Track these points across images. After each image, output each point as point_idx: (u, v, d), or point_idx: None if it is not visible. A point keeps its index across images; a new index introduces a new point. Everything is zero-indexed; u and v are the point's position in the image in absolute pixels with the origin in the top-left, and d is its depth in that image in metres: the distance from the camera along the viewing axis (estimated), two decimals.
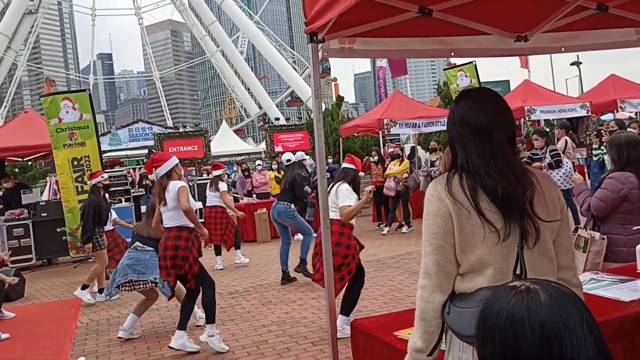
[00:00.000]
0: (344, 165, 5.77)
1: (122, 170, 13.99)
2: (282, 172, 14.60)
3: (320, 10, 2.78)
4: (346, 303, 5.26)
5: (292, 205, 7.97)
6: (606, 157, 9.38)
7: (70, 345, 5.73)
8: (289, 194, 8.05)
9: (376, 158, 11.95)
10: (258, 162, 17.38)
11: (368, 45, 3.30)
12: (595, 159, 10.74)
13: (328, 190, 5.36)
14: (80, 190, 8.74)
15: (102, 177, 7.88)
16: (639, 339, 2.57)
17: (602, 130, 10.40)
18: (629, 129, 8.38)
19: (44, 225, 11.03)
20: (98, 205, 7.61)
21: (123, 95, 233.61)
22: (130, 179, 13.25)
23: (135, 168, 21.23)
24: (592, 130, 13.38)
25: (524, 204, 1.77)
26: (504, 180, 1.77)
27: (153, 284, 5.90)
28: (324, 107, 24.56)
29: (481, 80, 13.67)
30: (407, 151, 16.33)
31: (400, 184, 11.13)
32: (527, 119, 14.16)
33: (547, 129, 15.27)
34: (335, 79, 53.26)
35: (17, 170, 22.29)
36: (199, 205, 10.92)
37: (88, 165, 9.03)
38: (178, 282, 5.29)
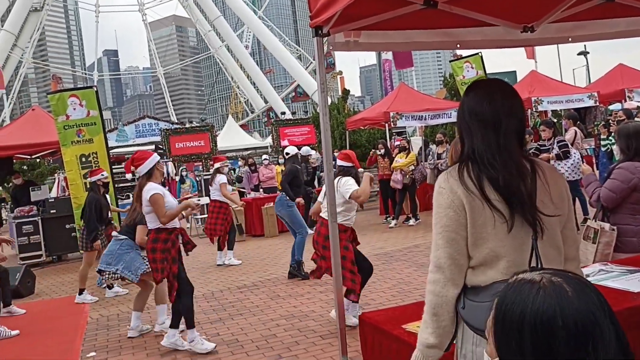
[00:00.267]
0: (340, 163, 5.54)
1: None
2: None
3: (325, 4, 2.77)
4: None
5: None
6: (615, 147, 9.32)
7: (80, 340, 5.78)
8: (285, 187, 8.04)
9: (383, 151, 11.93)
10: (264, 156, 17.37)
11: (373, 38, 3.28)
12: (603, 149, 10.69)
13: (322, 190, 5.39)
14: (88, 186, 8.76)
15: (102, 175, 7.89)
16: None
17: (610, 120, 10.34)
18: (637, 119, 8.32)
19: (53, 222, 11.09)
20: (98, 203, 7.64)
21: (129, 92, 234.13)
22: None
23: None
24: (600, 121, 13.30)
25: (525, 196, 1.76)
26: (506, 171, 1.77)
27: (119, 276, 5.79)
28: (329, 101, 24.49)
29: (488, 71, 13.59)
30: (419, 144, 16.28)
31: (407, 176, 11.11)
32: (534, 110, 14.08)
33: (555, 120, 15.19)
34: (340, 72, 53.18)
35: (25, 167, 22.40)
36: (206, 200, 10.94)
37: (96, 162, 9.07)
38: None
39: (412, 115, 13.55)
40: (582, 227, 3.92)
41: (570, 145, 8.65)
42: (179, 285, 4.98)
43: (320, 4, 2.81)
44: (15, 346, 5.87)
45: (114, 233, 6.03)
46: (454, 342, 1.89)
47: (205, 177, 14.44)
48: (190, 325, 5.03)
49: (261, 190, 14.53)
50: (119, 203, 9.93)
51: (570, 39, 3.56)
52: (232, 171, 22.18)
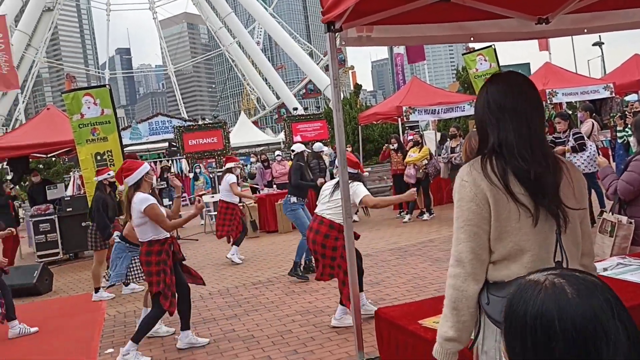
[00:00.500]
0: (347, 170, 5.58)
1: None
2: None
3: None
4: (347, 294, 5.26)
5: (293, 198, 7.76)
6: (631, 139, 9.22)
7: (98, 337, 5.84)
8: (290, 186, 7.93)
9: (396, 145, 11.88)
10: (277, 152, 17.40)
11: (386, 33, 3.27)
12: (619, 141, 10.57)
13: (331, 191, 5.36)
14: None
15: (109, 174, 7.92)
16: None
17: (627, 112, 10.22)
18: None
19: (69, 220, 11.20)
20: (105, 202, 7.70)
21: (142, 89, 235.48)
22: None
23: (156, 162, 21.42)
24: (616, 112, 13.15)
25: (555, 189, 1.76)
26: (538, 164, 1.76)
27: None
28: (342, 96, 24.44)
29: (501, 63, 13.49)
30: (433, 138, 16.21)
31: (420, 171, 11.07)
32: (548, 102, 13.95)
33: (570, 112, 15.04)
34: (352, 67, 53.06)
35: (41, 166, 22.62)
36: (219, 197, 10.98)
37: (111, 160, 9.14)
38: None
39: (425, 109, 13.49)
40: (599, 220, 3.88)
41: (586, 138, 8.56)
42: (179, 292, 5.00)
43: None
44: (35, 343, 5.95)
45: (116, 233, 6.09)
46: (471, 337, 1.88)
47: (218, 173, 14.50)
48: (136, 339, 4.94)
49: (274, 186, 14.56)
50: None
51: (585, 30, 3.52)
52: (244, 167, 22.30)
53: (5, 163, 14.66)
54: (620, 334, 0.92)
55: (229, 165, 9.28)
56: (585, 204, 1.86)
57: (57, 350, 5.62)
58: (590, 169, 8.02)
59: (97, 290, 7.63)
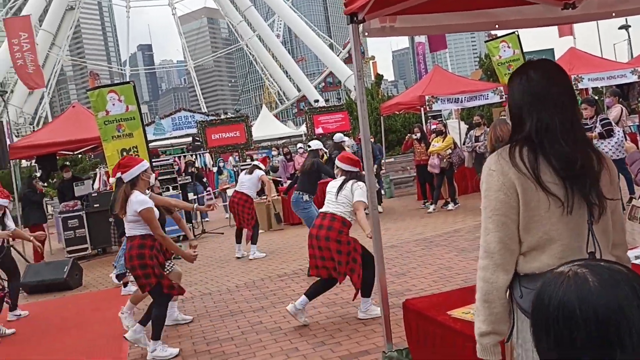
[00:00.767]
0: (345, 167, 5.47)
1: (168, 159, 14.25)
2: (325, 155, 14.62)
3: None
4: (364, 287, 5.24)
5: (306, 196, 7.65)
6: None
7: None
8: (304, 182, 7.75)
9: (419, 135, 11.78)
10: (299, 145, 17.41)
11: (409, 23, 3.24)
12: None
13: (339, 185, 5.33)
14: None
15: None
16: None
17: None
18: None
19: (96, 215, 11.38)
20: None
21: (164, 85, 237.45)
22: (176, 167, 13.52)
23: (181, 156, 21.62)
24: None
25: (597, 178, 1.74)
26: (582, 150, 1.74)
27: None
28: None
29: (524, 50, 13.28)
30: (456, 126, 16.04)
31: (444, 160, 10.98)
32: (574, 88, 13.72)
33: (596, 97, 14.76)
34: (373, 57, 52.77)
35: (67, 163, 23.01)
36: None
37: (137, 156, 9.25)
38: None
39: (448, 98, 13.37)
40: (628, 207, 3.82)
41: (614, 123, 8.40)
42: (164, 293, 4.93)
43: None
44: (67, 336, 6.08)
45: None
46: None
47: (242, 167, 14.61)
48: (156, 336, 4.91)
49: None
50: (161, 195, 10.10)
51: (614, 14, 3.45)
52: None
53: (33, 161, 14.96)
54: None
55: (259, 163, 9.46)
56: (618, 194, 1.84)
57: (89, 343, 5.74)
58: (618, 155, 7.87)
59: (125, 284, 7.75)
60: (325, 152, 8.25)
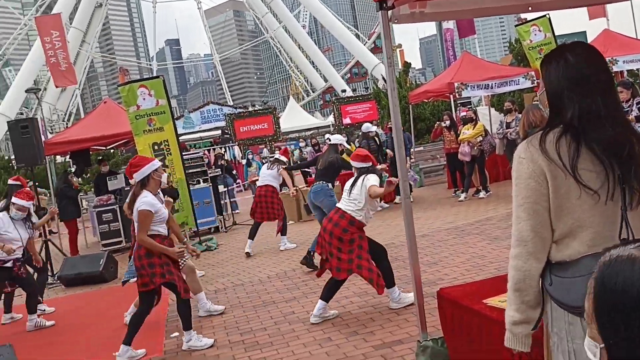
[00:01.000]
0: (357, 165, 5.46)
1: (198, 152, 14.38)
2: (352, 144, 14.56)
3: None
4: (385, 278, 5.20)
5: (329, 184, 7.56)
6: None
7: (164, 322, 6.04)
8: (325, 173, 7.67)
9: (448, 123, 11.62)
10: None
11: (439, 8, 3.18)
12: None
13: (351, 184, 5.30)
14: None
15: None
16: None
17: None
18: None
19: None
20: None
21: (192, 79, 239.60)
22: (206, 160, 13.63)
23: (210, 149, 21.83)
24: None
25: (639, 162, 1.68)
26: (626, 134, 1.70)
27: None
28: None
29: (555, 33, 12.96)
30: (486, 113, 15.81)
31: (475, 148, 10.83)
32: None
33: (632, 80, 14.36)
34: (400, 46, 52.26)
35: (100, 158, 23.43)
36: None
37: (168, 149, 9.36)
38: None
39: (478, 85, 13.14)
40: None
41: None
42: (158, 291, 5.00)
43: None
44: (103, 328, 6.21)
45: None
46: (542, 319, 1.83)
47: (270, 159, 14.67)
48: (127, 342, 4.93)
49: None
50: (190, 188, 10.20)
51: None
52: (293, 152, 22.37)
53: (67, 156, 15.28)
54: None
55: (282, 157, 9.36)
56: None
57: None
58: None
59: None
60: (346, 148, 8.09)
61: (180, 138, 10.67)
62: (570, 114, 1.75)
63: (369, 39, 57.22)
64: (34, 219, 6.92)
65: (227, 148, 24.40)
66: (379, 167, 6.08)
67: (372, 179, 5.21)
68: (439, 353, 3.19)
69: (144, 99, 9.21)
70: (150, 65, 79.10)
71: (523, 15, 17.96)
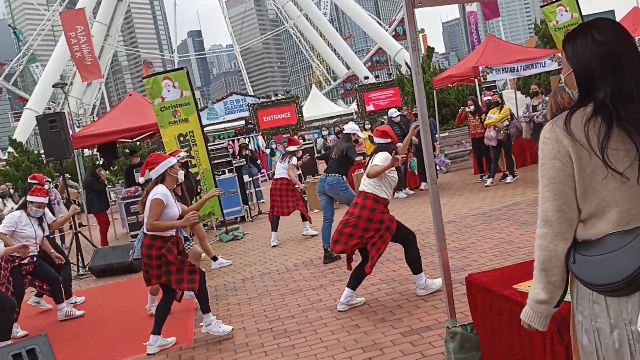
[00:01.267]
0: (377, 140, 5.53)
1: (222, 143, 14.47)
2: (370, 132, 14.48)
3: None
4: (413, 264, 5.24)
5: (344, 177, 7.53)
6: None
7: (193, 311, 6.10)
8: (337, 165, 7.58)
9: (472, 107, 11.47)
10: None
11: None
12: None
13: (369, 160, 5.32)
14: (190, 164, 9.13)
15: (179, 156, 8.03)
16: None
17: None
18: None
19: None
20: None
21: (215, 70, 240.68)
22: (230, 151, 13.70)
23: (234, 140, 21.93)
24: None
25: None
26: None
27: None
28: None
29: (583, 13, 12.65)
30: (512, 97, 15.55)
31: (501, 132, 10.68)
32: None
33: None
34: (422, 30, 51.70)
35: (127, 151, 23.73)
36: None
37: (193, 140, 9.44)
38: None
39: (504, 68, 12.90)
40: None
41: None
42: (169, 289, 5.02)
43: None
44: (133, 317, 6.31)
45: None
46: (565, 298, 1.84)
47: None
48: (156, 330, 5.02)
49: None
50: (216, 179, 10.27)
51: None
52: (300, 152, 22.32)
53: (95, 149, 15.50)
54: None
55: (291, 148, 9.25)
56: None
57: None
58: None
59: (214, 259, 8.01)
60: (359, 137, 8.03)
61: (205, 129, 10.75)
62: (603, 94, 1.71)
63: (389, 26, 56.67)
64: (48, 218, 6.99)
65: (251, 138, 24.49)
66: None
67: (377, 158, 5.23)
68: (469, 339, 3.17)
69: (169, 90, 9.29)
70: (171, 57, 79.65)
71: None
